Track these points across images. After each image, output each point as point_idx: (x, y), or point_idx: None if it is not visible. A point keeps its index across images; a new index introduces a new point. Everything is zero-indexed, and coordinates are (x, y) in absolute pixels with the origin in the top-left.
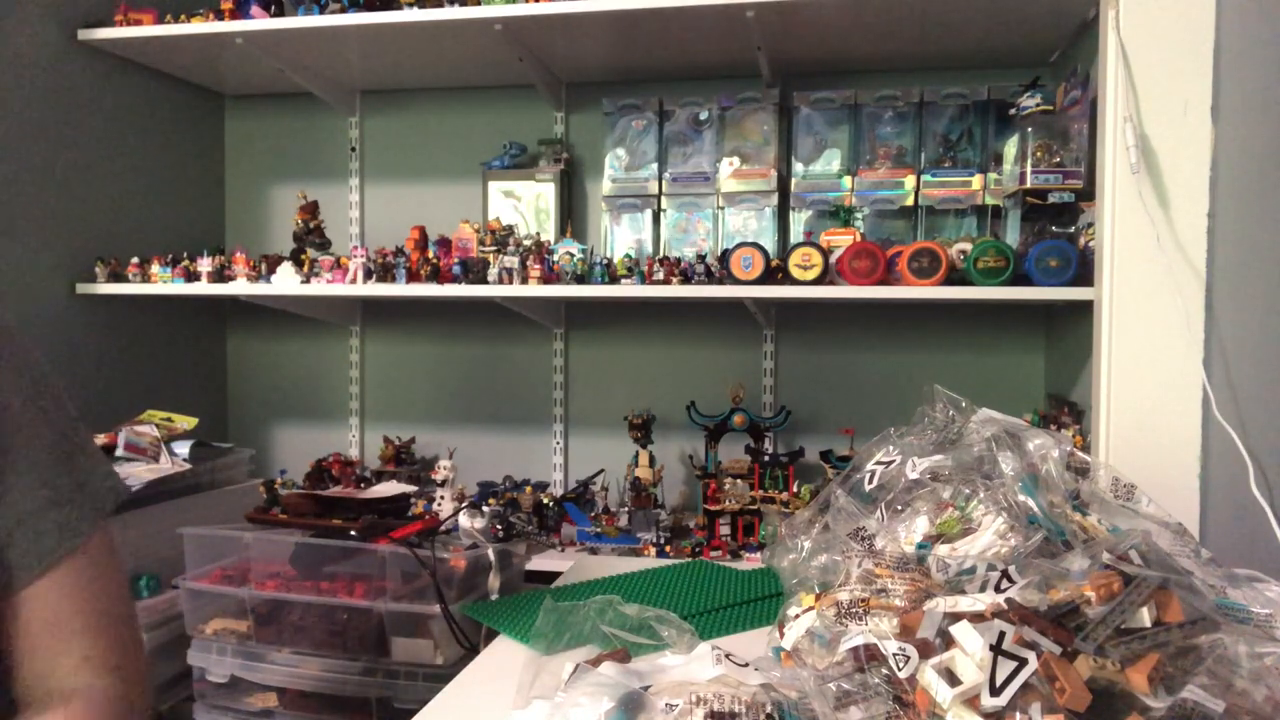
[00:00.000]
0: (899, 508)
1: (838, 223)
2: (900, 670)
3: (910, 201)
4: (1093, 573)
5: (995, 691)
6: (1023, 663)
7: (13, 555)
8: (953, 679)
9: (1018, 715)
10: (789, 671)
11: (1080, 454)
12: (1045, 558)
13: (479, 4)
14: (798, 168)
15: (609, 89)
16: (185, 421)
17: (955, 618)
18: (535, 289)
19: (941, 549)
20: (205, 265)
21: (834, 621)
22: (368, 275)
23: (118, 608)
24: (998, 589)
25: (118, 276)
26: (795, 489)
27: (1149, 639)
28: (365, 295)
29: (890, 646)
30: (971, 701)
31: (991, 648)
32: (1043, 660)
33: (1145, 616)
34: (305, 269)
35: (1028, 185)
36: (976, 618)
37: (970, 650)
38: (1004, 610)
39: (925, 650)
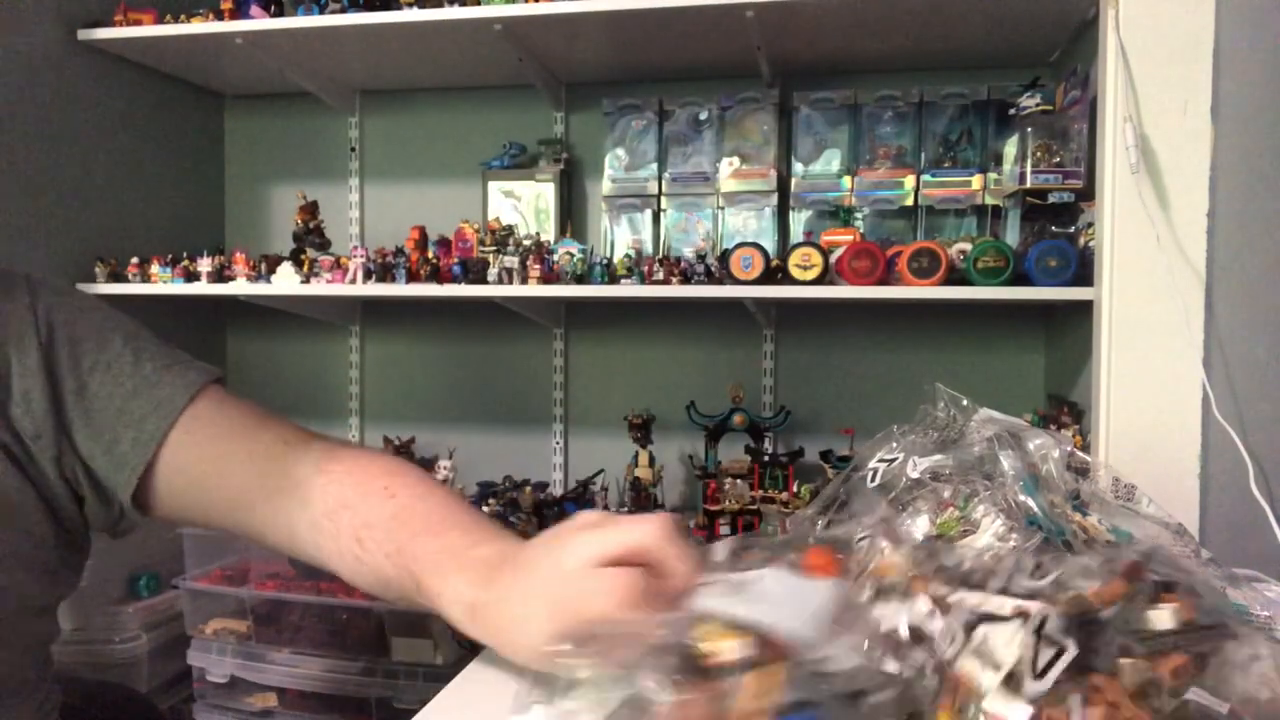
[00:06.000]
0: (900, 506)
1: (838, 223)
2: (944, 652)
3: (910, 201)
4: (1103, 576)
5: (1038, 676)
6: (1061, 650)
7: (123, 446)
8: (993, 664)
9: (1062, 706)
10: None
11: (1080, 454)
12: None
13: (479, 4)
14: (797, 168)
15: (609, 89)
16: None
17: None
18: (535, 289)
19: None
20: (205, 265)
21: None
22: (367, 275)
23: (274, 417)
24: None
25: (117, 277)
26: (795, 489)
27: (1170, 641)
28: (365, 295)
29: (936, 624)
30: (1009, 687)
31: (1035, 631)
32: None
33: (1160, 620)
34: (305, 269)
35: (1028, 185)
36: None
37: (1004, 639)
38: (1041, 597)
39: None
